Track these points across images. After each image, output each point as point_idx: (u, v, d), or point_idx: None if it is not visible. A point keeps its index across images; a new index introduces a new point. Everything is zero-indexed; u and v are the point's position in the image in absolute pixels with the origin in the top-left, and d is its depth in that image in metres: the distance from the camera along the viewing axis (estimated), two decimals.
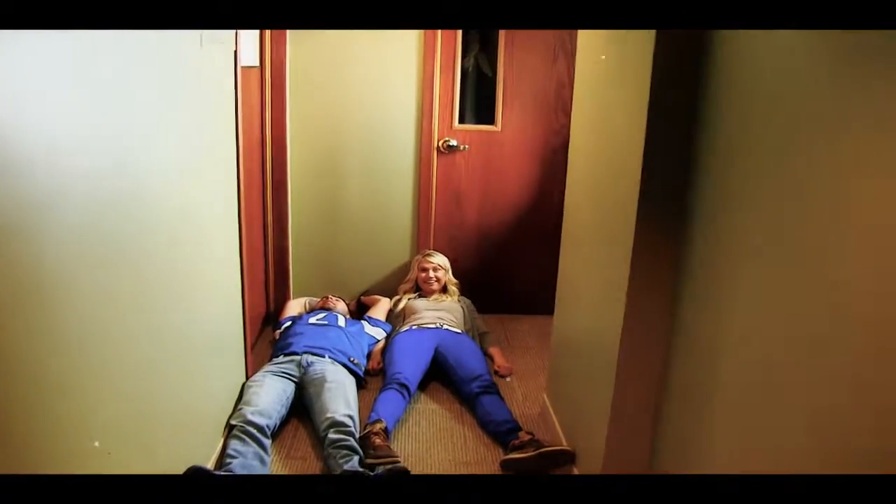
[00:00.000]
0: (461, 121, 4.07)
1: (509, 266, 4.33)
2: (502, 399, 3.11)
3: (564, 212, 2.84)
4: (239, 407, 2.80)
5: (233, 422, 2.70)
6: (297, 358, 3.13)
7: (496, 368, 3.60)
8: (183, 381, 2.29)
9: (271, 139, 3.84)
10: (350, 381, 3.07)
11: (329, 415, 2.76)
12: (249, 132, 3.49)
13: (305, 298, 4.07)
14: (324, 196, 4.07)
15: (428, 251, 4.02)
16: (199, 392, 2.47)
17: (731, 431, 1.62)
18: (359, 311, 4.11)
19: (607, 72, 2.25)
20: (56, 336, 1.48)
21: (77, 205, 1.53)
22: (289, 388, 3.00)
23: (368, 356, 3.58)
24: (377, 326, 3.75)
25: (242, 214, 2.86)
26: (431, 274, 3.94)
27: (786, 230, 1.39)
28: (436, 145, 4.04)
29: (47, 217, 1.41)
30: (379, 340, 3.71)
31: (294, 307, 3.93)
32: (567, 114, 4.02)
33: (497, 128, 4.07)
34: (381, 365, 3.54)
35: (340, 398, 2.88)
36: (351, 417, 2.76)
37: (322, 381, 2.97)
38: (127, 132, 1.77)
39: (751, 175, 1.54)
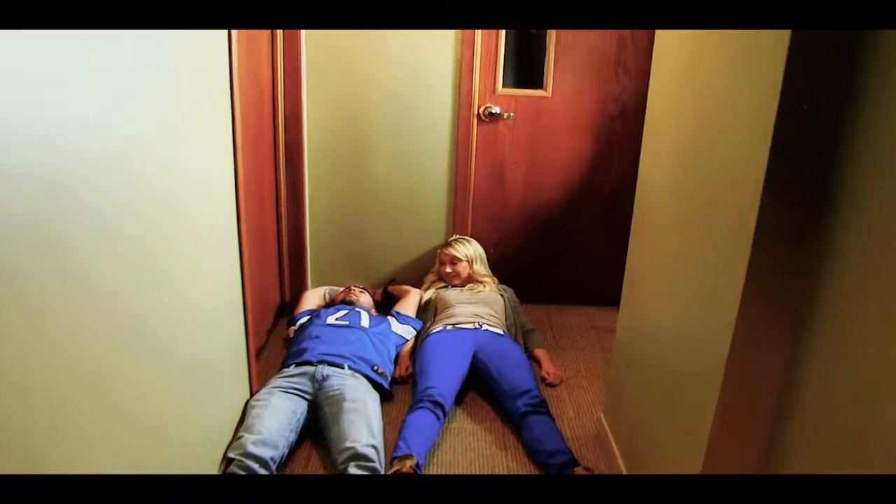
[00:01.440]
0: (505, 85, 3.49)
1: (557, 251, 3.79)
2: (553, 420, 2.61)
3: (638, 196, 2.30)
4: (239, 435, 2.33)
5: (231, 454, 2.26)
6: (311, 370, 2.65)
7: (543, 375, 3.10)
8: (161, 405, 1.81)
9: (284, 102, 3.30)
10: (373, 399, 2.59)
11: (349, 444, 2.30)
12: (254, 94, 2.96)
13: (325, 288, 3.58)
14: (346, 169, 3.54)
15: (452, 239, 3.54)
16: (185, 418, 2.00)
17: None
18: (385, 301, 3.61)
19: (710, 42, 1.67)
20: None
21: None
22: (300, 409, 2.53)
23: (396, 359, 3.09)
24: (406, 324, 3.25)
25: (240, 188, 2.35)
26: (448, 268, 3.47)
27: None
28: (476, 112, 3.48)
29: None
30: (408, 340, 3.22)
31: (311, 299, 3.45)
32: (630, 77, 3.43)
33: (546, 93, 3.50)
34: (409, 371, 3.06)
35: (362, 422, 2.40)
36: (375, 448, 2.30)
37: (340, 399, 2.49)
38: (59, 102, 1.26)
39: None
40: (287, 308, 3.56)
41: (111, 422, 1.51)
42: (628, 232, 3.68)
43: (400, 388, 2.97)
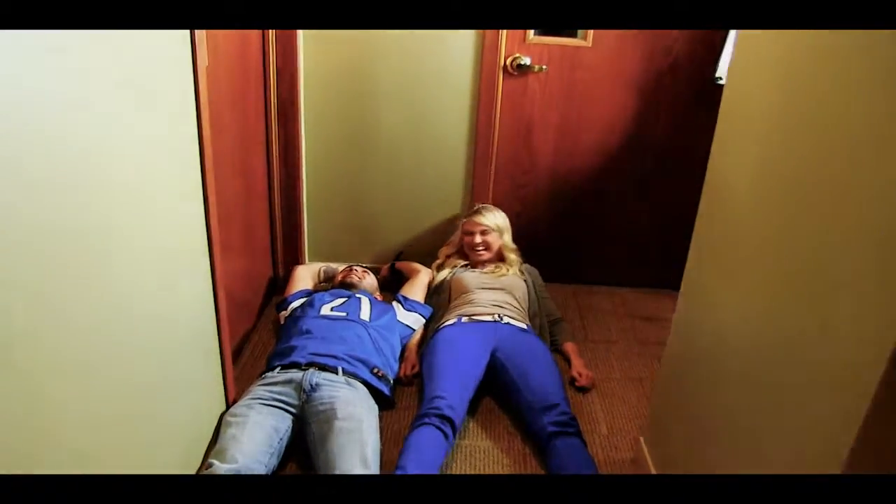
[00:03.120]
0: (537, 32, 2.96)
1: (589, 224, 3.32)
2: (585, 444, 2.20)
3: (710, 168, 1.81)
4: (209, 462, 1.93)
5: None
6: (299, 376, 2.23)
7: (574, 375, 2.67)
8: (99, 425, 1.42)
9: (275, 50, 2.80)
10: (370, 414, 2.18)
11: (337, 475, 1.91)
12: (235, 42, 2.47)
13: (320, 265, 3.14)
14: (349, 127, 3.05)
15: (478, 207, 3.02)
16: (137, 440, 1.60)
17: None
18: (393, 279, 3.18)
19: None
20: None
21: None
22: (283, 426, 2.13)
23: (401, 353, 2.68)
24: (413, 311, 2.82)
25: (206, 149, 1.90)
26: (479, 239, 2.95)
27: None
28: (502, 64, 2.95)
29: None
30: (415, 331, 2.79)
31: (303, 277, 3.01)
32: None
33: (586, 42, 2.96)
34: (416, 369, 2.64)
35: (355, 448, 2.00)
36: None
37: (330, 416, 2.09)
38: None
39: None
40: (281, 284, 3.13)
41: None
42: (673, 205, 3.24)
43: (405, 392, 2.56)
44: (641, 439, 2.23)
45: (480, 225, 2.95)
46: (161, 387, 1.76)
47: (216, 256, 2.03)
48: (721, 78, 2.55)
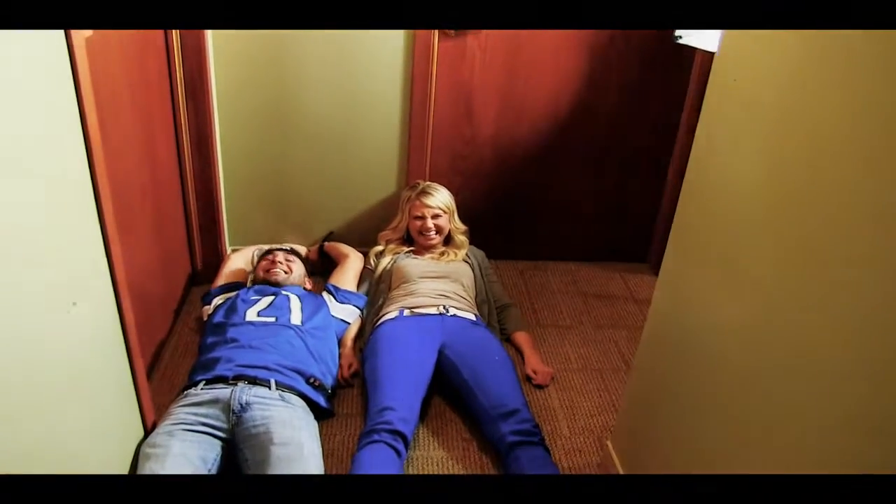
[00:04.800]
0: None
1: (535, 196, 3.10)
2: (549, 454, 2.01)
3: (697, 154, 1.54)
4: None
5: None
6: (226, 394, 1.95)
7: (529, 373, 2.47)
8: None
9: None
10: (310, 434, 1.93)
11: None
12: None
13: (253, 248, 2.80)
14: (268, 101, 2.71)
15: (424, 186, 2.73)
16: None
17: None
18: (323, 262, 2.90)
19: None
20: None
21: None
22: (211, 455, 1.87)
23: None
24: (346, 302, 2.56)
25: (91, 131, 1.54)
26: (430, 224, 2.68)
27: None
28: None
29: None
30: (350, 325, 2.53)
31: (236, 264, 2.72)
32: None
33: None
34: (354, 368, 2.39)
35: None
36: None
37: (265, 441, 1.84)
38: None
39: None
40: (200, 278, 2.81)
41: None
42: (625, 175, 3.03)
43: (345, 395, 2.32)
44: (609, 443, 2.06)
45: (431, 208, 2.67)
46: (60, 431, 1.46)
47: (117, 268, 1.70)
48: (681, 37, 2.32)
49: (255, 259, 2.74)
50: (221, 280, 2.62)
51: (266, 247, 2.76)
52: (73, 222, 1.50)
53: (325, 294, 2.55)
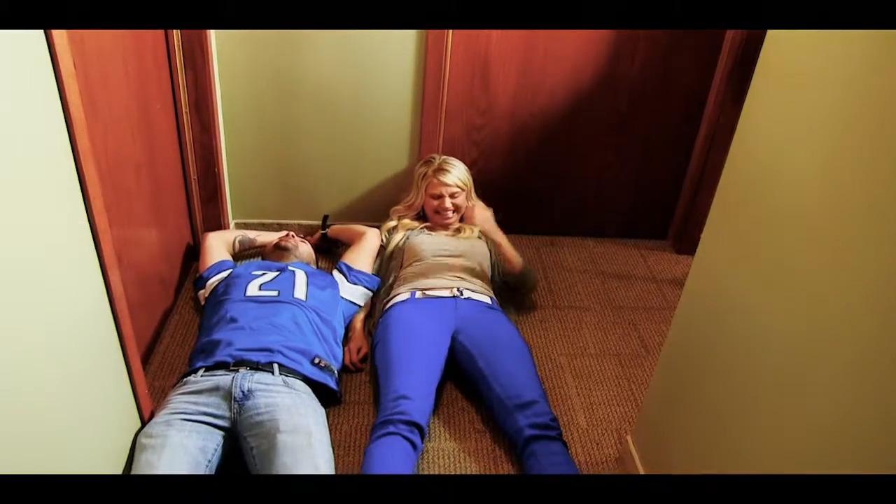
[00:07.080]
0: None
1: (554, 169, 2.95)
2: (567, 448, 1.90)
3: (740, 139, 1.41)
4: None
5: None
6: (227, 381, 1.84)
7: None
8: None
9: None
10: (318, 421, 1.82)
11: None
12: None
13: (236, 233, 2.68)
14: (273, 67, 2.56)
15: (441, 161, 2.58)
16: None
17: None
18: (325, 247, 2.78)
19: None
20: None
21: None
22: (211, 445, 1.76)
23: (345, 334, 2.32)
24: (358, 283, 2.43)
25: (71, 104, 1.39)
26: (448, 203, 2.54)
27: None
28: None
29: None
30: (361, 307, 2.41)
31: (216, 247, 2.52)
32: None
33: None
34: (363, 353, 2.29)
35: (307, 467, 1.66)
36: None
37: (272, 429, 1.74)
38: None
39: None
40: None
41: None
42: (649, 149, 2.88)
43: (353, 381, 2.21)
44: (629, 438, 1.95)
45: (448, 186, 2.52)
46: (52, 423, 1.36)
47: (104, 245, 1.57)
48: None
49: (237, 246, 2.62)
50: (210, 261, 2.46)
51: (251, 233, 2.66)
52: (51, 195, 1.37)
53: (335, 273, 2.43)
